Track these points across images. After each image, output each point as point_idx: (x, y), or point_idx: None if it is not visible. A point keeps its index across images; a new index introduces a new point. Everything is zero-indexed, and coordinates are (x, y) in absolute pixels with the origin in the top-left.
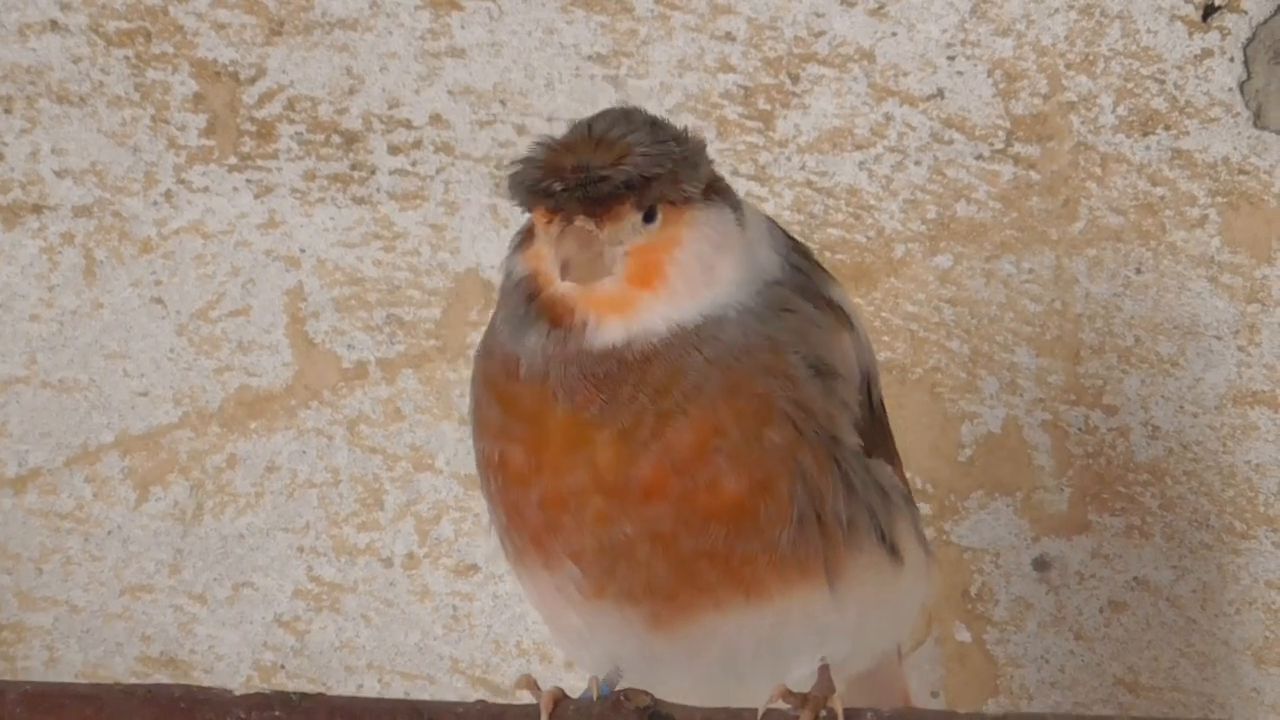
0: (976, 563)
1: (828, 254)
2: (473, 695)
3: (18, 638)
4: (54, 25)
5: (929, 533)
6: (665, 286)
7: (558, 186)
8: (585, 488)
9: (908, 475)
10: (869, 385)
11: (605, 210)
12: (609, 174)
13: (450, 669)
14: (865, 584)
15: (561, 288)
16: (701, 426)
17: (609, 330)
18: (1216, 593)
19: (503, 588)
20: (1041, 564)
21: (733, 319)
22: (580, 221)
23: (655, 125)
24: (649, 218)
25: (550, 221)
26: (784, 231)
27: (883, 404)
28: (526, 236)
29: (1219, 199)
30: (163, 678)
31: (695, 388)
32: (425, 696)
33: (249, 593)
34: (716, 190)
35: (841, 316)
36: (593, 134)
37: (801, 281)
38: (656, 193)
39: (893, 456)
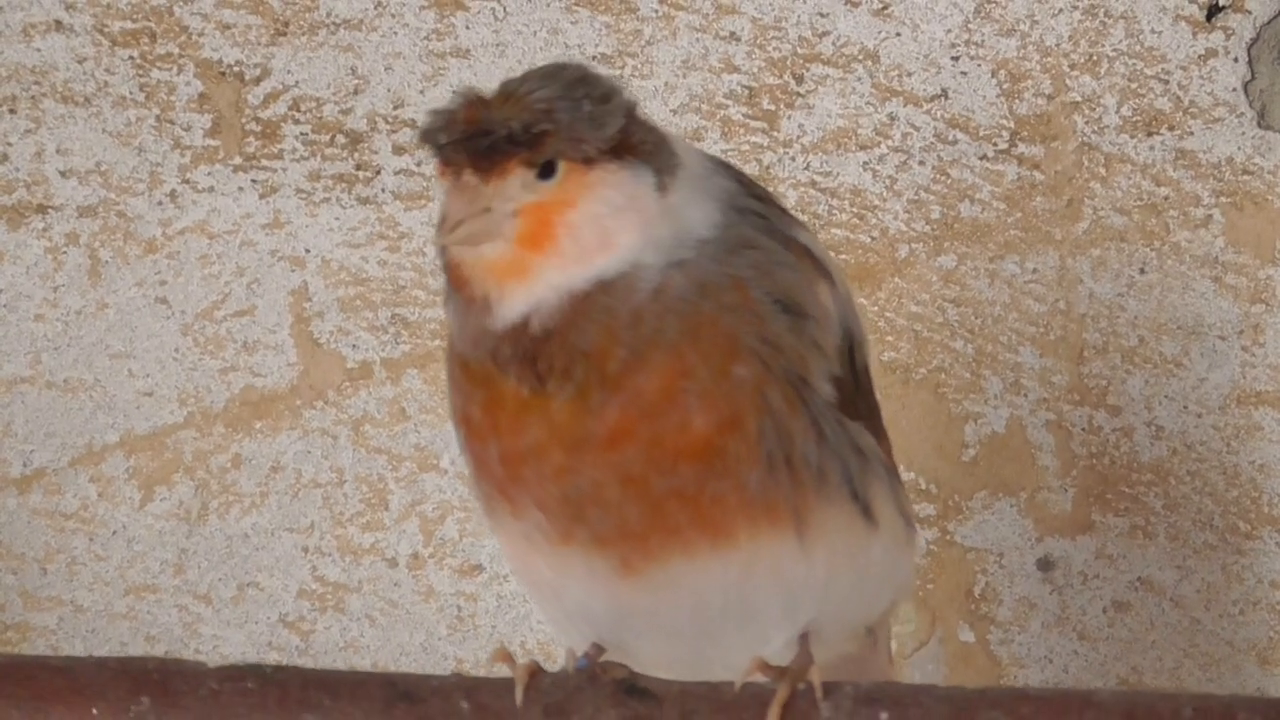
0: (980, 563)
1: (832, 254)
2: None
3: (22, 638)
4: (59, 25)
5: (932, 533)
6: (554, 249)
7: (444, 138)
8: (543, 445)
9: (911, 475)
10: (852, 348)
11: (491, 165)
12: (495, 128)
13: (454, 669)
14: (834, 538)
15: (455, 252)
16: (667, 371)
17: (509, 304)
18: (1220, 593)
19: (507, 588)
20: (1045, 564)
21: (656, 271)
22: (467, 176)
23: (576, 82)
24: (547, 174)
25: (443, 175)
26: (738, 175)
27: (868, 373)
28: None
29: (1223, 199)
30: None
31: (651, 336)
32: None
33: (254, 593)
34: (637, 151)
35: (815, 263)
36: (505, 89)
37: (756, 222)
38: (552, 149)
39: (879, 432)
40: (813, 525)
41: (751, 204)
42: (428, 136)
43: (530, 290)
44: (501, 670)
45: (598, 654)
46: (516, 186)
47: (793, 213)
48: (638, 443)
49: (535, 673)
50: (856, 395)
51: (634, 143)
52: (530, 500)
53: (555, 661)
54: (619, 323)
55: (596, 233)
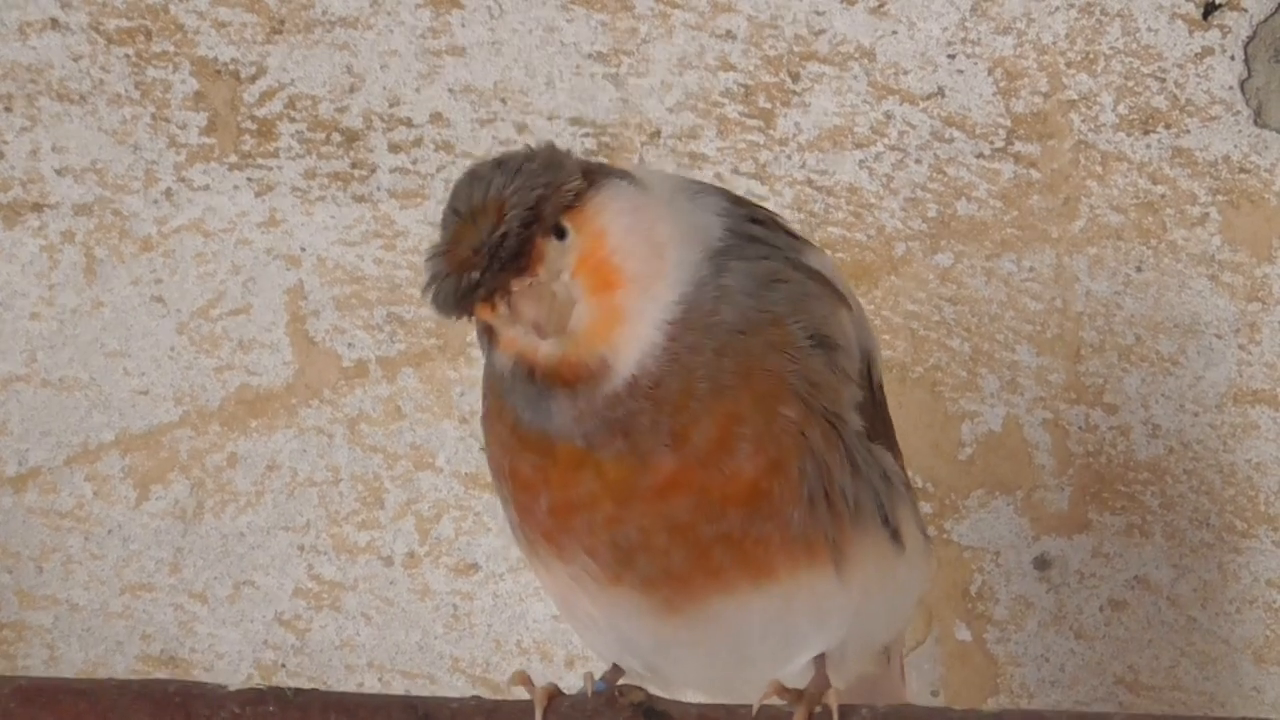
0: (977, 561)
1: (828, 252)
2: (473, 694)
3: (18, 636)
4: (54, 23)
5: (929, 531)
6: (625, 277)
7: (475, 277)
8: (595, 496)
9: (909, 474)
10: (869, 367)
11: (525, 261)
12: (503, 231)
13: (451, 668)
14: (869, 566)
15: (549, 350)
16: (725, 418)
17: (622, 361)
18: (1217, 591)
19: (503, 586)
20: (1042, 563)
21: (713, 295)
22: (515, 285)
23: (501, 164)
24: (561, 235)
25: (495, 310)
26: (730, 196)
27: (882, 388)
28: (488, 333)
29: (1219, 197)
30: (163, 676)
31: (713, 383)
32: (425, 695)
33: (249, 591)
34: (598, 172)
35: (832, 289)
36: (465, 214)
37: (768, 251)
38: (552, 209)
39: (893, 446)
40: (849, 556)
41: (756, 230)
42: (452, 298)
43: (635, 332)
44: (520, 693)
45: (616, 677)
46: (556, 258)
47: (797, 232)
48: (689, 492)
49: (554, 695)
50: (875, 413)
51: (589, 168)
52: (579, 547)
53: (554, 662)
54: (695, 368)
55: (640, 240)
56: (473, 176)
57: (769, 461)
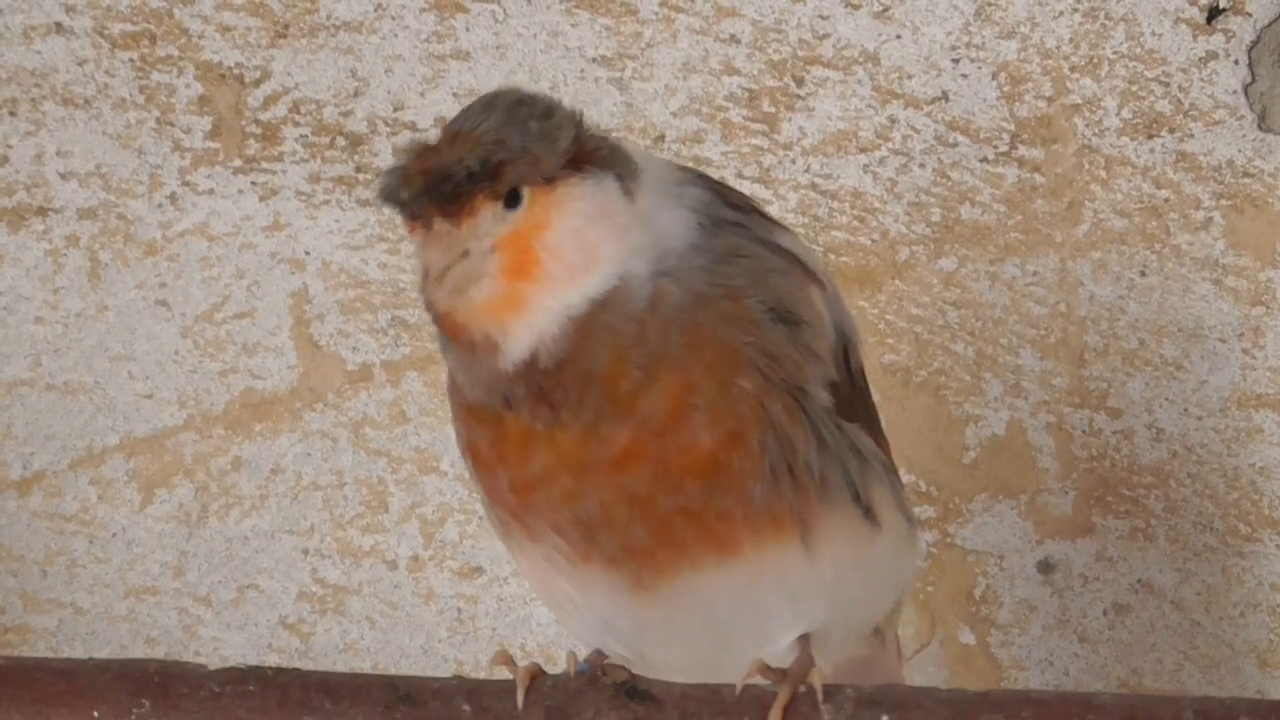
0: (980, 565)
1: (831, 256)
2: (454, 674)
3: (22, 640)
4: (59, 28)
5: (933, 535)
6: (541, 274)
7: (406, 194)
8: (552, 470)
9: (912, 478)
10: (846, 350)
11: (459, 208)
12: (453, 170)
13: (454, 671)
14: (839, 542)
15: (443, 302)
16: (675, 387)
17: (514, 341)
18: (1221, 595)
19: (507, 590)
20: (1046, 566)
21: (648, 282)
22: (437, 224)
23: (515, 106)
24: (513, 203)
25: (413, 230)
26: (712, 184)
27: (863, 374)
28: None
29: (1223, 202)
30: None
31: (658, 352)
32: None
33: (253, 595)
34: (594, 161)
35: (803, 268)
36: (450, 130)
37: (738, 230)
38: (512, 176)
39: (876, 432)
40: (817, 531)
41: (730, 214)
42: (389, 195)
43: (530, 322)
44: (502, 673)
45: (599, 657)
46: (488, 221)
47: (773, 216)
48: (645, 463)
49: (536, 675)
50: (853, 396)
51: (589, 151)
52: (545, 524)
53: (556, 664)
54: (625, 341)
55: (577, 248)
56: (485, 102)
57: (727, 433)
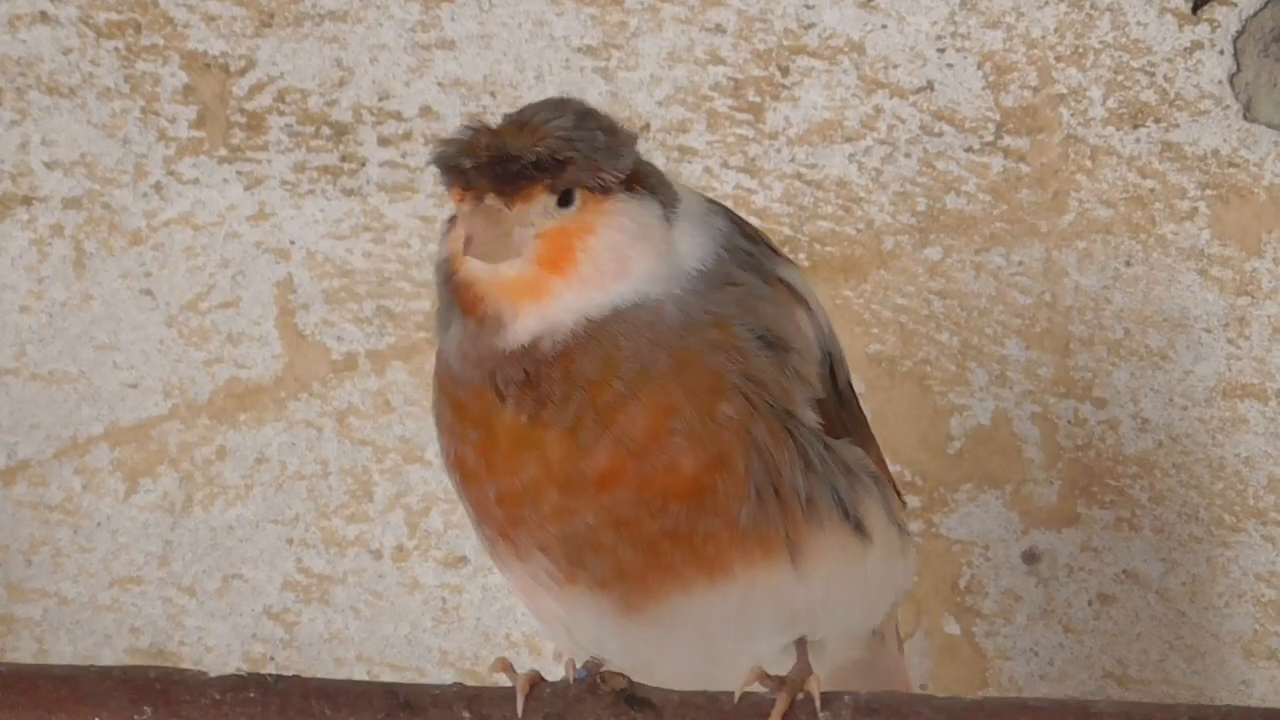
0: (965, 555)
1: (817, 246)
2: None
3: (7, 629)
4: (44, 17)
5: (918, 525)
6: (575, 273)
7: (468, 163)
8: (539, 483)
9: (897, 468)
10: (833, 367)
11: (515, 190)
12: (521, 154)
13: (439, 661)
14: (829, 560)
15: (470, 269)
16: (654, 409)
17: (522, 324)
18: (1206, 586)
19: (492, 580)
20: (1031, 557)
21: (655, 304)
22: (490, 200)
23: (585, 114)
24: (565, 203)
25: (463, 200)
26: (732, 217)
27: (851, 387)
28: (452, 221)
29: (1209, 192)
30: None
31: (642, 371)
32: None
33: (238, 584)
34: (644, 184)
35: (793, 294)
36: (519, 118)
37: (744, 260)
38: (573, 177)
39: (867, 441)
40: (806, 551)
41: (741, 243)
42: (448, 161)
43: (545, 312)
44: (502, 680)
45: (598, 664)
46: (539, 212)
47: (781, 250)
48: (627, 484)
49: (536, 683)
50: (841, 411)
51: (642, 174)
52: (532, 542)
53: (542, 653)
54: (619, 354)
55: (615, 259)
56: (554, 104)
57: (710, 457)
